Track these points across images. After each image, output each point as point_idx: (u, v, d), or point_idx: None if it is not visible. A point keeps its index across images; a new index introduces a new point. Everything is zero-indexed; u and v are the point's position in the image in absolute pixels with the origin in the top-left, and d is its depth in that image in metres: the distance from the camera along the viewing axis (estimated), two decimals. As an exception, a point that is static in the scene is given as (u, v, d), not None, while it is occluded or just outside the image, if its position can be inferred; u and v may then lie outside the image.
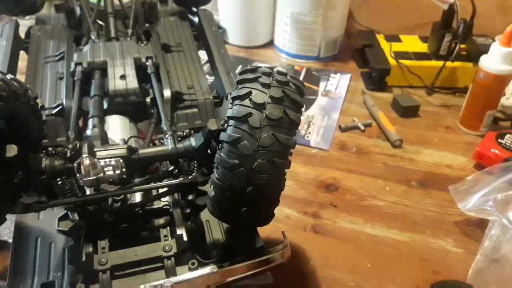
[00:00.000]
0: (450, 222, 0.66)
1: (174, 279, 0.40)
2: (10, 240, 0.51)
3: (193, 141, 0.46)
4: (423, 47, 0.99)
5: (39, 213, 0.52)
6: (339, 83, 0.98)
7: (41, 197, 0.49)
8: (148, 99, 0.60)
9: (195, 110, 0.62)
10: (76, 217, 0.49)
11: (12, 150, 0.39)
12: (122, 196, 0.49)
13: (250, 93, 0.39)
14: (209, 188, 0.47)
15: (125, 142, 0.52)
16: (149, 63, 0.64)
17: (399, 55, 0.96)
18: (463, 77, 0.93)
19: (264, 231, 0.55)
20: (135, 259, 0.43)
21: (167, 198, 0.50)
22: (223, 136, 0.39)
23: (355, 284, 0.57)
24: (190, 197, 0.52)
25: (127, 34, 0.72)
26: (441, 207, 0.68)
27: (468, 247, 0.62)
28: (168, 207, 0.49)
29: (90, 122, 0.55)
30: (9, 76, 0.41)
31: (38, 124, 0.47)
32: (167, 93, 0.61)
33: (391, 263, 0.60)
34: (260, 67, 0.42)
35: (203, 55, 0.76)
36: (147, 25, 0.78)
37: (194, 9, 0.82)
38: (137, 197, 0.50)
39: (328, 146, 0.81)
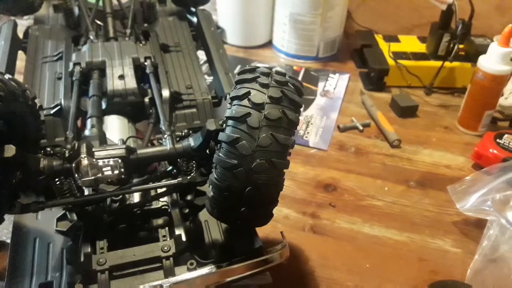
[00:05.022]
0: (449, 222, 0.66)
1: (172, 279, 0.40)
2: (9, 241, 0.50)
3: (191, 141, 0.46)
4: (421, 47, 0.99)
5: (37, 214, 0.51)
6: (337, 83, 0.98)
7: (39, 198, 0.49)
8: (146, 99, 0.60)
9: (194, 110, 0.62)
10: (75, 217, 0.49)
11: (10, 150, 0.39)
12: (121, 196, 0.49)
13: (248, 93, 0.39)
14: (207, 188, 0.47)
15: (124, 142, 0.52)
16: (147, 63, 0.63)
17: (397, 55, 0.96)
18: (462, 77, 0.93)
19: (262, 231, 0.55)
20: (134, 259, 0.43)
21: (165, 198, 0.50)
22: (221, 136, 0.39)
23: (353, 284, 0.57)
24: (188, 197, 0.52)
25: (125, 34, 0.72)
26: (440, 207, 0.68)
27: (466, 247, 0.62)
28: (166, 207, 0.49)
29: (89, 122, 0.55)
30: (7, 76, 0.40)
31: (37, 124, 0.47)
32: (165, 93, 0.61)
33: (390, 263, 0.60)
34: (258, 67, 0.42)
35: (201, 55, 0.76)
36: (145, 25, 0.78)
37: (193, 9, 0.82)
38: (136, 197, 0.50)
39: (326, 146, 0.81)
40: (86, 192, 0.48)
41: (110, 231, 0.46)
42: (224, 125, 0.40)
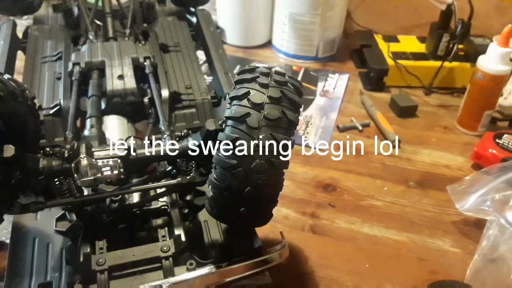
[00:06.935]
0: (448, 222, 0.66)
1: (172, 279, 0.40)
2: (8, 241, 0.50)
3: (191, 141, 0.46)
4: (421, 47, 0.99)
5: (36, 214, 0.51)
6: (337, 83, 0.98)
7: (38, 198, 0.49)
8: (146, 99, 0.60)
9: (193, 110, 0.62)
10: (74, 217, 0.49)
11: (9, 150, 0.39)
12: (120, 196, 0.49)
13: (248, 93, 0.39)
14: (207, 189, 0.47)
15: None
16: (147, 63, 0.63)
17: (397, 55, 0.96)
18: (461, 77, 0.93)
19: (262, 231, 0.55)
20: (133, 259, 0.43)
21: (165, 199, 0.50)
22: (221, 136, 0.39)
23: (353, 284, 0.57)
24: (188, 198, 0.52)
25: (125, 34, 0.72)
26: (439, 207, 0.68)
27: (466, 247, 0.62)
28: (166, 207, 0.49)
29: (88, 122, 0.55)
30: (6, 76, 0.40)
31: (36, 124, 0.47)
32: (165, 93, 0.61)
33: (389, 263, 0.60)
34: (258, 67, 0.42)
35: (201, 55, 0.76)
36: (145, 25, 0.78)
37: (192, 9, 0.82)
38: (135, 198, 0.50)
39: (326, 146, 0.81)
40: (85, 192, 0.48)
41: (109, 231, 0.46)
42: (224, 125, 0.40)
